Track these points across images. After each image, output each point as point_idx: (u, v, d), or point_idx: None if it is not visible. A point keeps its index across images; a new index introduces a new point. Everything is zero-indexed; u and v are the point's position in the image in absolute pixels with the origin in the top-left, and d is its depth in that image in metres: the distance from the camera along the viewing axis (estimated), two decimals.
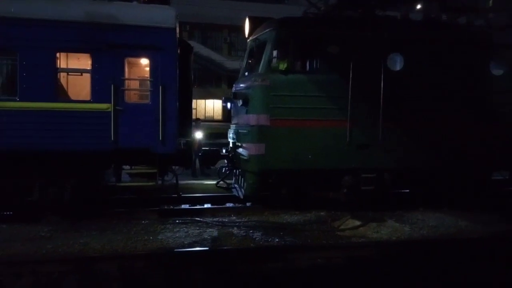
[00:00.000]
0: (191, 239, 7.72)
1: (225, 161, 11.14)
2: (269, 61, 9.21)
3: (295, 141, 9.17)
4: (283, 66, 9.10)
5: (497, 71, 10.19)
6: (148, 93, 9.27)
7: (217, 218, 9.24)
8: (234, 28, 30.33)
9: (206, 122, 23.83)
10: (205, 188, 12.19)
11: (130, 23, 8.88)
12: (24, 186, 8.71)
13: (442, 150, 9.86)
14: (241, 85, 10.29)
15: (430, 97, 9.77)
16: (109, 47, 8.75)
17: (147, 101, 9.26)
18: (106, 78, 8.77)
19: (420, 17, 10.83)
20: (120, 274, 6.04)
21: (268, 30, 9.55)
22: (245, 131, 9.61)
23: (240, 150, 9.81)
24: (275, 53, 9.09)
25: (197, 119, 15.99)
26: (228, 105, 11.40)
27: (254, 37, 10.20)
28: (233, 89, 10.95)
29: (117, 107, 8.84)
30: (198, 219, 9.06)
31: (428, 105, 9.75)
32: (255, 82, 9.34)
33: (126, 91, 9.26)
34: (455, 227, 8.69)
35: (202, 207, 10.40)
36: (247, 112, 9.54)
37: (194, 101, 14.86)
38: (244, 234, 8.12)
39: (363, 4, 10.16)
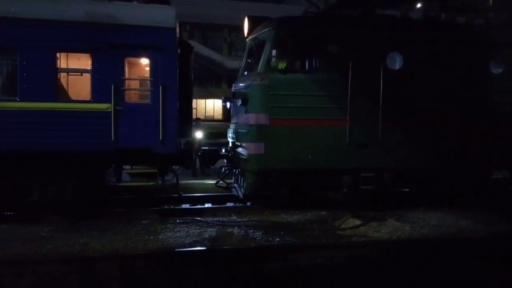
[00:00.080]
0: (191, 239, 7.72)
1: (225, 160, 11.13)
2: (268, 60, 9.20)
3: (295, 140, 9.16)
4: (282, 65, 9.09)
5: (497, 70, 10.18)
6: (148, 93, 9.27)
7: (217, 218, 9.24)
8: (234, 28, 30.33)
9: (207, 121, 23.85)
10: (206, 188, 12.20)
11: (130, 23, 8.88)
12: (24, 186, 8.71)
13: (442, 150, 9.85)
14: (240, 84, 10.28)
15: (430, 96, 9.75)
16: (109, 47, 8.75)
17: (147, 101, 9.26)
18: (106, 78, 8.77)
19: (419, 16, 10.82)
20: (121, 274, 6.04)
21: (267, 29, 9.55)
22: (244, 130, 9.61)
23: (240, 149, 9.81)
24: (274, 52, 9.07)
25: (198, 119, 16.00)
26: (228, 104, 11.39)
27: (253, 36, 10.19)
28: (233, 89, 10.95)
29: (117, 107, 8.85)
30: (199, 218, 9.06)
31: (427, 105, 9.74)
32: (254, 82, 9.34)
33: (126, 91, 9.26)
34: (456, 226, 8.68)
35: (202, 206, 10.40)
36: (246, 112, 9.54)
37: (194, 100, 14.88)
38: (244, 233, 8.12)
39: (363, 3, 10.15)
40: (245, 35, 10.73)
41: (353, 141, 9.41)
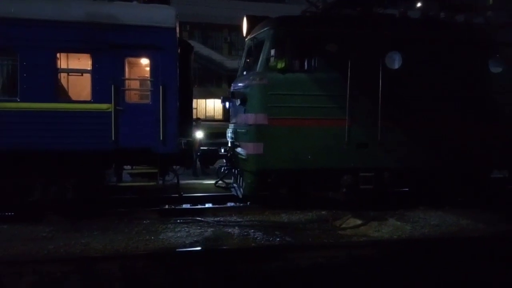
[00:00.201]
0: (192, 239, 7.73)
1: (224, 160, 11.13)
2: (267, 60, 9.19)
3: (294, 140, 9.16)
4: (281, 65, 9.08)
5: (497, 70, 10.17)
6: (149, 93, 9.28)
7: (218, 218, 9.24)
8: (234, 27, 30.28)
9: (207, 121, 23.84)
10: (206, 188, 12.19)
11: (130, 23, 8.89)
12: (25, 186, 8.72)
13: (442, 150, 9.84)
14: (239, 84, 10.28)
15: (429, 96, 9.73)
16: (110, 47, 8.76)
17: (148, 101, 9.27)
18: (107, 78, 8.77)
19: (418, 16, 10.80)
20: (122, 274, 6.04)
21: (265, 29, 9.54)
22: (243, 130, 9.61)
23: (239, 149, 9.81)
24: (273, 52, 9.06)
25: (198, 119, 16.00)
26: (227, 104, 11.39)
27: (252, 36, 10.18)
28: (231, 89, 10.94)
29: (118, 107, 8.85)
30: (199, 218, 9.06)
31: (427, 104, 9.72)
32: (253, 81, 9.34)
33: (127, 91, 9.26)
34: (457, 225, 8.69)
35: (203, 206, 10.41)
36: (245, 112, 9.53)
37: (194, 100, 14.88)
38: (245, 233, 8.13)
39: (361, 2, 10.14)
40: (244, 34, 10.72)
41: (353, 141, 9.40)
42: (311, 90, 9.21)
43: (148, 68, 9.48)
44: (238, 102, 9.73)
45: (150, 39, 8.94)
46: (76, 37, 8.65)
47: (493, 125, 10.04)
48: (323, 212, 9.55)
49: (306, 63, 9.54)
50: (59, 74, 8.98)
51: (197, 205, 10.50)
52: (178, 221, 8.90)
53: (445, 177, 10.12)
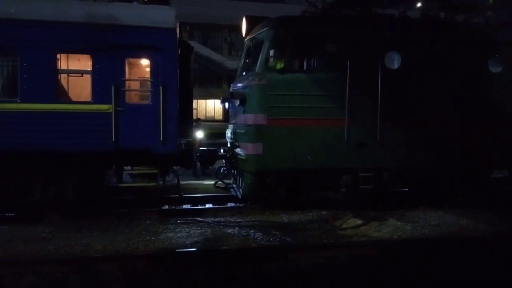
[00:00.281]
0: (192, 239, 7.73)
1: (223, 161, 11.13)
2: (266, 60, 9.18)
3: (293, 140, 9.15)
4: (280, 65, 9.08)
5: (497, 69, 10.17)
6: (149, 93, 9.28)
7: (218, 218, 9.24)
8: (234, 28, 30.25)
9: (207, 122, 23.84)
10: (206, 188, 12.19)
11: (130, 23, 8.89)
12: (25, 186, 8.72)
13: (441, 149, 9.83)
14: (239, 84, 10.29)
15: (429, 96, 9.73)
16: (110, 48, 8.76)
17: (148, 101, 9.27)
18: (107, 79, 8.78)
19: (418, 16, 10.80)
20: (122, 274, 6.04)
21: (265, 29, 9.53)
22: (242, 130, 9.61)
23: (238, 150, 9.81)
24: (272, 52, 9.04)
25: (198, 119, 16.00)
26: (226, 105, 11.39)
27: (251, 36, 10.18)
28: (231, 89, 10.94)
29: (118, 108, 8.86)
30: (200, 219, 9.06)
31: (426, 104, 9.71)
32: (252, 82, 9.34)
33: (127, 92, 9.26)
34: (457, 225, 8.69)
35: (203, 207, 10.42)
36: (244, 112, 9.53)
37: (194, 101, 14.89)
38: (245, 234, 8.12)
39: (361, 2, 10.14)
40: (243, 35, 10.72)
41: (352, 141, 9.40)
42: (310, 90, 9.20)
43: (148, 69, 9.48)
44: (237, 102, 9.73)
45: (150, 40, 8.95)
46: (76, 38, 8.66)
47: (493, 125, 10.03)
48: (323, 212, 9.55)
49: (305, 63, 9.55)
50: (59, 75, 8.99)
51: (197, 206, 10.51)
52: (178, 221, 8.90)
53: (444, 177, 10.11)
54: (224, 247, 7.33)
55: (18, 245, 7.21)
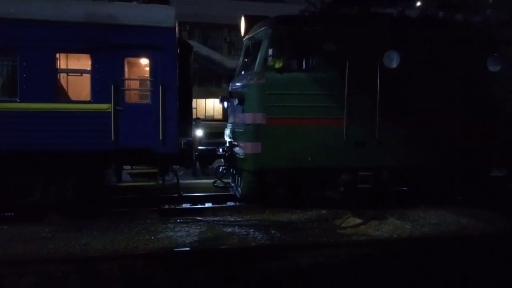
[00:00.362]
0: (192, 239, 7.73)
1: (222, 160, 11.13)
2: (265, 59, 9.19)
3: (291, 139, 9.15)
4: (278, 64, 9.07)
5: (496, 68, 10.16)
6: (148, 93, 9.27)
7: (218, 217, 9.24)
8: (234, 27, 30.21)
9: (207, 121, 23.86)
10: (206, 188, 12.19)
11: (130, 23, 8.88)
12: (25, 186, 8.72)
13: (440, 148, 9.82)
14: (237, 84, 10.29)
15: (428, 95, 9.72)
16: (109, 47, 8.75)
17: (147, 101, 9.26)
18: (106, 78, 8.77)
19: (417, 14, 10.79)
20: (122, 274, 6.05)
21: (263, 28, 9.53)
22: (241, 130, 9.61)
23: (237, 149, 9.81)
24: (270, 51, 9.05)
25: (197, 119, 16.00)
26: (225, 104, 11.39)
27: (250, 35, 10.18)
28: (229, 88, 10.94)
29: (117, 107, 8.85)
30: (199, 218, 9.06)
31: (425, 103, 9.71)
32: (250, 81, 9.34)
33: (126, 91, 9.26)
34: (457, 224, 8.69)
35: (203, 206, 10.42)
36: (243, 111, 9.54)
37: (194, 100, 14.87)
38: (245, 233, 8.13)
39: (360, 1, 10.14)
40: (242, 34, 10.71)
41: (351, 140, 9.40)
42: (309, 89, 9.20)
43: (147, 68, 9.48)
44: (236, 101, 9.73)
45: (150, 39, 8.94)
46: (76, 37, 8.65)
47: (492, 124, 10.03)
48: (323, 211, 9.55)
49: (304, 63, 9.55)
50: (58, 74, 8.99)
51: (197, 205, 10.50)
52: (178, 220, 8.91)
53: (444, 176, 10.11)
54: (224, 246, 7.34)
55: (18, 244, 7.21)
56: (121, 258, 6.46)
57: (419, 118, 9.65)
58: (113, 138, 8.82)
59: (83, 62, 9.35)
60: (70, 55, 9.87)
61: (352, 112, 9.35)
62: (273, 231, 8.21)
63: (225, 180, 11.06)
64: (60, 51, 8.96)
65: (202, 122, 16.08)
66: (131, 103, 9.39)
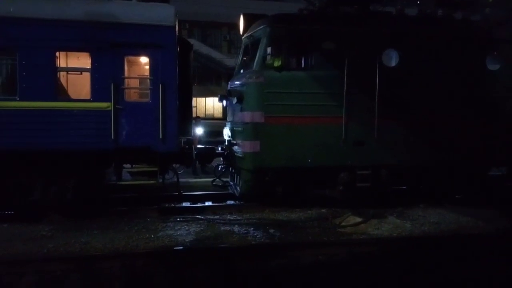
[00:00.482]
0: (192, 237, 7.74)
1: (221, 159, 11.13)
2: (264, 58, 9.18)
3: (290, 138, 9.15)
4: (277, 63, 9.07)
5: (495, 67, 10.15)
6: (148, 91, 9.26)
7: (218, 216, 9.25)
8: (233, 26, 30.14)
9: (206, 120, 23.86)
10: (206, 186, 12.18)
11: (130, 21, 8.86)
12: (25, 185, 8.71)
13: (439, 147, 9.82)
14: (236, 82, 10.28)
15: (427, 93, 9.72)
16: (109, 46, 8.74)
17: (147, 99, 9.25)
18: (106, 77, 8.76)
19: (415, 13, 10.78)
20: (122, 272, 6.05)
21: (262, 27, 9.52)
22: (240, 128, 9.60)
23: (235, 147, 9.81)
24: (269, 50, 9.04)
25: (197, 117, 15.98)
26: (224, 102, 11.37)
27: (249, 34, 10.18)
28: (228, 87, 10.93)
29: (117, 106, 8.84)
30: (199, 217, 9.07)
31: (424, 101, 9.71)
32: (249, 79, 9.33)
33: (126, 90, 9.24)
34: (457, 223, 8.70)
35: (203, 205, 10.42)
36: (241, 110, 9.53)
37: (194, 99, 14.86)
38: (245, 231, 8.13)
39: (359, 0, 10.12)
40: (241, 33, 10.71)
41: (349, 138, 9.40)
42: (307, 88, 9.20)
43: (147, 67, 9.47)
44: (234, 100, 9.72)
45: (150, 38, 8.92)
46: (75, 36, 8.63)
47: (491, 122, 10.02)
48: (322, 210, 9.56)
49: (302, 61, 9.54)
50: (58, 73, 8.97)
51: (197, 203, 10.50)
52: (178, 219, 8.91)
53: (443, 175, 10.11)
54: (224, 245, 7.34)
55: (18, 244, 7.21)
56: (121, 256, 6.47)
57: (418, 117, 9.65)
58: (113, 137, 8.81)
59: (83, 60, 9.34)
60: (69, 53, 9.85)
61: (351, 111, 9.34)
62: (273, 230, 8.21)
63: (224, 179, 11.05)
64: (60, 50, 8.93)
65: (202, 121, 16.07)
66: (131, 101, 9.36)
